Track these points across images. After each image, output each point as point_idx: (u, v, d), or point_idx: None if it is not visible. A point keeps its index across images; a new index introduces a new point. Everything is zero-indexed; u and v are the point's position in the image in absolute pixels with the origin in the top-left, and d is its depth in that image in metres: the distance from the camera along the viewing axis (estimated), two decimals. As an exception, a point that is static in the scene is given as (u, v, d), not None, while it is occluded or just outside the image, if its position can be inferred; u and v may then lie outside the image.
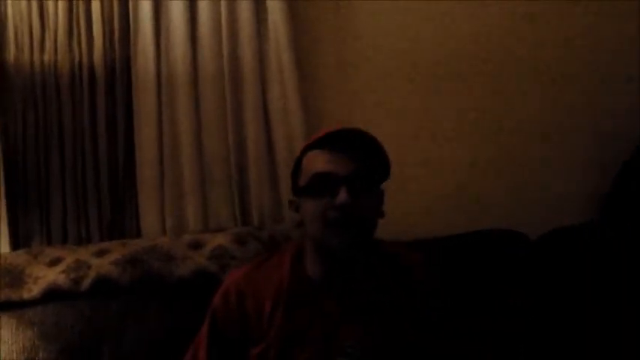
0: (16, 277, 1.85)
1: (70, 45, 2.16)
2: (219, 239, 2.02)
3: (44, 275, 1.85)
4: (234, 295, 1.55)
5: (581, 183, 2.38)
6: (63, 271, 1.86)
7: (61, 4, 2.14)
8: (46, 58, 2.16)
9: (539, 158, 2.39)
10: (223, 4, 2.17)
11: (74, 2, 2.16)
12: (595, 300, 2.01)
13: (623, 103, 2.39)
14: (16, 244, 2.10)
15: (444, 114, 2.36)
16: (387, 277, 1.58)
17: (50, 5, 2.15)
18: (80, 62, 2.16)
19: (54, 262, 1.90)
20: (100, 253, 1.91)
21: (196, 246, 2.00)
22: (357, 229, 1.46)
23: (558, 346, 1.98)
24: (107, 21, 2.18)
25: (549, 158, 2.39)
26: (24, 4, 2.13)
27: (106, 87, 2.17)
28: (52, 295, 1.82)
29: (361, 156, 1.47)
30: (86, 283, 1.85)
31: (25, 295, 1.82)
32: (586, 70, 2.40)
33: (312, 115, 2.24)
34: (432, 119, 2.36)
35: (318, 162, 1.48)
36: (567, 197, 2.36)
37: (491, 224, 2.18)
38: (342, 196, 1.42)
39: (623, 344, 1.94)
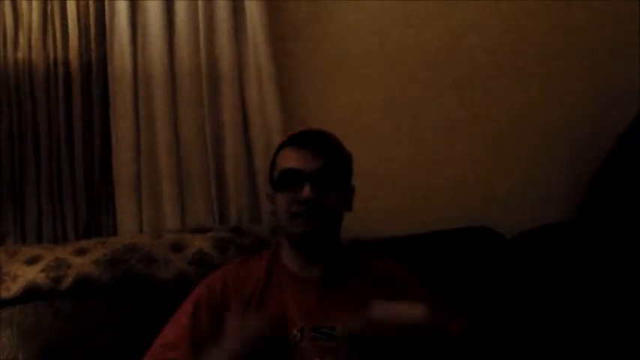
0: (-7, 275, 1.83)
1: (44, 42, 2.14)
2: (200, 243, 2.01)
3: (23, 274, 1.82)
4: (219, 286, 1.65)
5: (557, 182, 2.41)
6: (42, 270, 1.83)
7: (34, 2, 2.12)
8: (20, 56, 2.13)
9: (516, 157, 2.41)
10: (200, 3, 2.17)
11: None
12: (570, 298, 2.04)
13: (599, 104, 2.43)
14: (-11, 242, 2.07)
15: (425, 115, 2.38)
16: (362, 274, 1.68)
17: (24, 2, 2.12)
18: (55, 60, 2.14)
19: (32, 261, 1.87)
20: (80, 252, 1.89)
21: (177, 248, 1.99)
22: (320, 220, 1.60)
23: (534, 343, 2.00)
24: (83, 18, 2.16)
25: (526, 157, 2.41)
26: (-4, 1, 2.11)
27: (82, 85, 2.15)
28: (31, 294, 1.80)
29: (326, 154, 1.62)
30: (66, 283, 1.82)
31: (4, 294, 1.79)
32: (567, 71, 2.43)
33: (290, 114, 2.24)
34: (413, 119, 2.37)
35: (287, 159, 1.64)
36: (543, 196, 2.39)
37: (468, 222, 2.21)
38: (306, 191, 1.57)
39: (598, 341, 1.96)
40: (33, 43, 2.13)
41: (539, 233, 2.18)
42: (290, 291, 1.63)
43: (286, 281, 1.65)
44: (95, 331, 1.79)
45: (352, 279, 1.66)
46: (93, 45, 2.16)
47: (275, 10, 2.24)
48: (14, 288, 1.80)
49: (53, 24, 2.14)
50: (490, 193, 2.38)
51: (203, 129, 2.19)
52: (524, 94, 2.42)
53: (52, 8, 2.14)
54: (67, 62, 2.15)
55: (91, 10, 2.16)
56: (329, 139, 1.66)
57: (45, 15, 2.14)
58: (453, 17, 2.38)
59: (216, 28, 2.19)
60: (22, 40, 2.13)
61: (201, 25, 2.17)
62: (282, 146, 1.69)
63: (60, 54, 2.14)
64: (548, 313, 2.04)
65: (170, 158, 2.16)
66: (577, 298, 2.03)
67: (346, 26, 2.34)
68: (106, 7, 2.15)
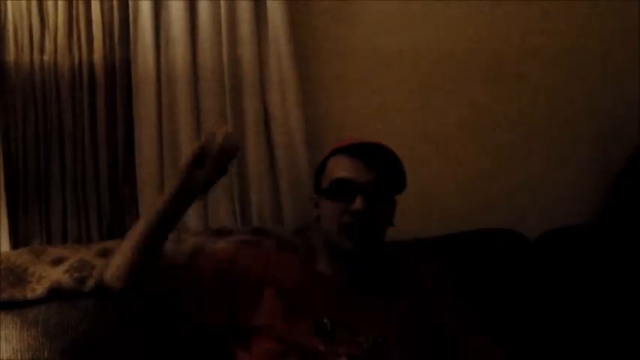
0: (18, 276, 1.84)
1: (69, 45, 2.15)
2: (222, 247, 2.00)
3: (48, 274, 1.83)
4: (261, 265, 1.66)
5: (580, 183, 2.39)
6: (66, 271, 1.84)
7: (60, 4, 2.13)
8: (45, 58, 2.14)
9: (539, 158, 2.40)
10: (223, 5, 2.17)
11: (74, 2, 2.14)
12: (594, 300, 2.02)
13: (623, 103, 2.41)
14: (16, 243, 2.09)
15: (444, 115, 2.38)
16: (396, 280, 1.68)
17: (50, 5, 2.13)
18: (80, 62, 2.15)
19: (57, 262, 1.88)
20: (104, 254, 1.91)
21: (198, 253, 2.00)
22: (368, 236, 1.59)
23: (557, 346, 1.99)
24: (107, 21, 2.17)
25: (549, 158, 2.40)
26: (24, 4, 2.12)
27: (106, 87, 2.17)
28: (55, 294, 1.82)
29: (380, 167, 1.59)
30: (90, 284, 1.84)
31: (29, 294, 1.81)
32: (586, 70, 2.41)
33: (312, 115, 2.25)
34: (432, 120, 2.38)
35: (340, 167, 1.61)
36: (566, 198, 2.37)
37: (491, 224, 2.20)
38: (358, 203, 1.54)
39: (622, 344, 1.95)
40: (59, 45, 2.14)
41: (563, 235, 2.17)
42: (322, 294, 1.62)
43: (318, 284, 1.64)
44: (119, 331, 1.80)
45: (386, 284, 1.66)
46: (117, 47, 2.18)
47: (297, 10, 2.24)
48: (39, 289, 1.81)
49: (78, 26, 2.16)
50: (513, 194, 2.37)
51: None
52: (547, 94, 2.41)
53: (77, 11, 2.16)
54: (91, 64, 2.16)
55: (115, 12, 2.18)
56: (384, 151, 1.62)
57: (70, 18, 2.16)
58: (474, 18, 2.38)
59: (239, 29, 2.19)
60: (48, 42, 2.15)
61: (224, 27, 2.17)
62: (333, 153, 1.66)
63: (85, 56, 2.16)
64: (572, 315, 2.03)
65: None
66: (601, 300, 2.02)
67: (369, 27, 2.34)
68: (130, 9, 2.16)
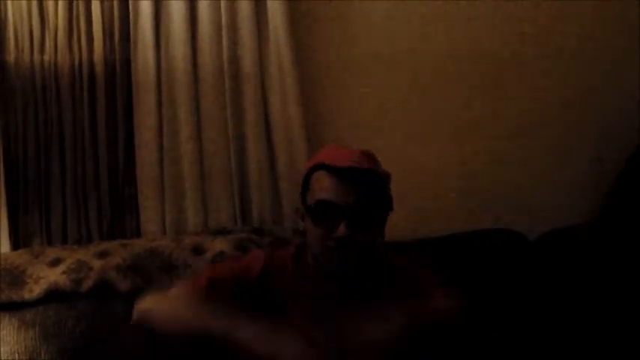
0: (17, 277, 1.85)
1: (70, 45, 2.16)
2: (221, 245, 2.02)
3: (45, 275, 1.85)
4: (257, 269, 1.63)
5: (580, 183, 2.39)
6: (64, 272, 1.85)
7: (60, 4, 2.14)
8: (46, 58, 2.15)
9: (539, 158, 2.39)
10: (223, 5, 2.17)
11: (74, 2, 2.16)
12: (594, 300, 2.02)
13: (623, 104, 2.40)
14: (16, 243, 2.10)
15: (444, 115, 2.37)
16: (391, 287, 1.64)
17: (50, 5, 2.15)
18: (80, 62, 2.16)
19: (55, 263, 1.89)
20: (101, 255, 1.92)
21: (198, 251, 2.01)
22: (354, 257, 1.54)
23: (558, 346, 1.99)
24: (107, 21, 2.18)
25: (549, 158, 2.40)
26: (24, 4, 2.13)
27: (106, 87, 2.18)
28: (53, 295, 1.83)
29: (366, 190, 1.52)
30: (87, 285, 1.85)
31: (26, 296, 1.82)
32: (586, 70, 2.41)
33: (312, 115, 2.25)
34: (432, 120, 2.37)
35: (324, 188, 1.54)
36: (566, 198, 2.37)
37: (491, 224, 2.20)
38: (341, 229, 1.49)
39: (622, 344, 1.94)
40: (59, 45, 2.15)
41: (563, 235, 2.16)
42: (313, 295, 1.60)
43: (310, 285, 1.62)
44: (116, 333, 1.80)
45: (375, 284, 1.63)
46: (117, 47, 2.19)
47: (297, 10, 2.24)
48: (37, 290, 1.82)
49: (78, 27, 2.17)
50: (512, 194, 2.36)
51: (225, 130, 2.20)
52: (547, 94, 2.40)
53: (77, 11, 2.16)
54: (91, 64, 2.17)
55: (116, 12, 2.19)
56: (370, 172, 1.54)
57: (70, 18, 2.16)
58: (473, 19, 2.37)
59: (239, 29, 2.19)
60: (49, 42, 2.16)
61: (224, 27, 2.18)
62: (318, 167, 1.57)
63: (85, 56, 2.17)
64: (572, 315, 2.02)
65: (193, 159, 2.17)
66: (601, 300, 2.02)
67: (369, 28, 2.34)
68: (130, 9, 2.16)
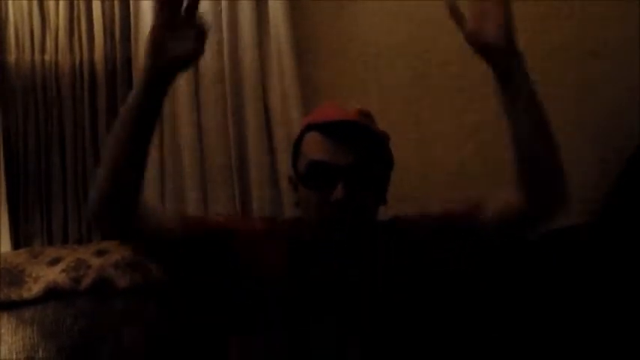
0: (16, 276, 1.85)
1: (70, 45, 2.17)
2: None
3: (44, 274, 1.85)
4: (260, 227, 1.54)
5: (580, 183, 2.38)
6: (63, 270, 1.86)
7: (61, 4, 2.15)
8: (46, 58, 2.16)
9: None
10: (224, 4, 2.17)
11: (75, 2, 2.17)
12: (594, 300, 2.02)
13: (623, 104, 2.40)
14: (17, 243, 2.11)
15: (445, 115, 2.37)
16: (387, 246, 1.52)
17: (51, 5, 2.15)
18: (81, 62, 2.17)
19: (54, 262, 1.90)
20: (100, 253, 1.92)
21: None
22: (354, 223, 1.42)
23: (557, 346, 1.99)
24: (108, 21, 2.19)
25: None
26: (25, 4, 2.14)
27: (107, 87, 2.18)
28: (51, 294, 1.83)
29: (362, 147, 1.40)
30: (86, 283, 1.85)
31: (25, 294, 1.82)
32: (585, 69, 2.40)
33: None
34: (432, 120, 2.37)
35: (317, 148, 1.42)
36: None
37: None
38: (339, 192, 1.36)
39: (622, 344, 1.94)
40: (60, 45, 2.16)
41: (563, 235, 2.15)
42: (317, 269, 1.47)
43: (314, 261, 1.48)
44: (115, 331, 1.81)
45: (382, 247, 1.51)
46: (118, 46, 2.20)
47: (298, 10, 2.25)
48: (35, 288, 1.82)
49: (79, 26, 2.17)
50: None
51: (226, 129, 2.20)
52: (547, 94, 2.39)
53: (78, 11, 2.17)
54: (92, 64, 2.18)
55: (117, 12, 2.19)
56: (364, 128, 1.42)
57: (71, 18, 2.17)
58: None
59: (240, 28, 2.20)
60: (49, 42, 2.16)
61: (225, 26, 2.18)
62: (309, 129, 1.46)
63: (86, 56, 2.18)
64: (572, 315, 2.02)
65: (193, 159, 2.17)
66: (601, 300, 2.01)
67: (369, 27, 2.34)
68: (131, 9, 2.17)
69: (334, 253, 1.47)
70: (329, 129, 1.41)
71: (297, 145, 1.50)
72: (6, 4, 2.13)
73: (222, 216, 1.64)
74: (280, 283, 1.46)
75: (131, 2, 2.17)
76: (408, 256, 1.50)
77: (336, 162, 1.38)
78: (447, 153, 2.38)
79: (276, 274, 1.47)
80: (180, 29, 1.25)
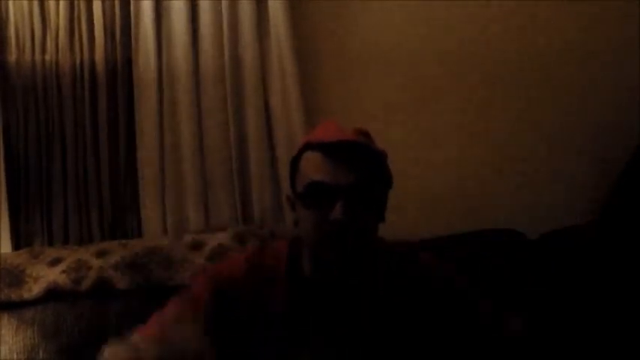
0: (16, 276, 1.85)
1: (71, 45, 2.17)
2: (220, 239, 2.03)
3: (44, 275, 1.85)
4: (243, 272, 1.49)
5: (580, 183, 2.39)
6: (63, 271, 1.86)
7: (62, 4, 2.15)
8: (47, 58, 2.17)
9: (539, 158, 2.39)
10: (224, 4, 2.18)
11: (75, 2, 2.17)
12: (594, 300, 2.02)
13: (623, 104, 2.40)
14: (17, 244, 2.11)
15: (445, 114, 2.37)
16: (390, 275, 1.52)
17: (51, 5, 2.16)
18: (81, 62, 2.17)
19: (54, 262, 1.90)
20: (101, 254, 1.92)
21: (196, 247, 2.01)
22: (353, 244, 1.40)
23: (558, 345, 1.99)
24: (108, 21, 2.19)
25: (549, 158, 2.40)
26: (25, 4, 2.14)
27: (108, 87, 2.18)
28: (52, 294, 1.83)
29: (361, 166, 1.39)
30: (86, 284, 1.85)
31: (26, 295, 1.82)
32: (586, 69, 2.40)
33: (313, 114, 2.24)
34: (432, 120, 2.37)
35: (316, 168, 1.40)
36: (567, 197, 2.37)
37: (491, 224, 2.19)
38: (338, 211, 1.35)
39: (622, 344, 1.94)
40: (60, 45, 2.16)
41: (563, 235, 2.16)
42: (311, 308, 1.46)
43: (308, 297, 1.47)
44: (115, 332, 1.80)
45: (382, 283, 1.50)
46: (118, 47, 2.20)
47: (298, 10, 2.25)
48: (36, 289, 1.83)
49: (80, 26, 2.18)
50: (513, 194, 2.36)
51: (227, 129, 2.20)
52: (547, 94, 2.40)
53: (78, 11, 2.17)
54: (93, 64, 2.18)
55: (117, 12, 2.19)
56: (364, 148, 1.41)
57: (72, 18, 2.17)
58: (474, 18, 2.37)
59: (240, 28, 2.20)
60: (50, 42, 2.17)
61: (225, 26, 2.18)
62: (307, 148, 1.44)
63: (86, 56, 2.18)
64: (572, 315, 2.02)
65: (194, 159, 2.18)
66: (601, 300, 2.01)
67: (369, 27, 2.34)
68: (131, 9, 2.17)
69: (331, 287, 1.48)
70: (329, 149, 1.39)
71: (295, 164, 1.47)
72: (6, 4, 2.13)
73: (202, 274, 1.57)
74: (277, 322, 1.46)
75: (131, 2, 2.17)
76: (408, 294, 1.51)
77: (336, 182, 1.37)
78: (447, 153, 2.38)
79: (273, 313, 1.46)
80: None
